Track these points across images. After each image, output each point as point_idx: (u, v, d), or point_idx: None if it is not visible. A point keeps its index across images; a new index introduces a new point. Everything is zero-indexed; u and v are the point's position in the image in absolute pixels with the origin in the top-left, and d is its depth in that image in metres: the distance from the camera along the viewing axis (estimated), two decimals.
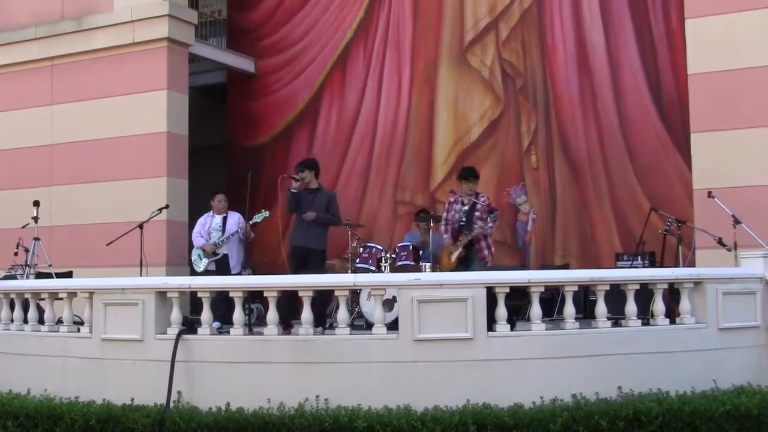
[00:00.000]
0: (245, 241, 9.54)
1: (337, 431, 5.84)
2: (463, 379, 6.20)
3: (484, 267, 8.42)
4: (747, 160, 8.76)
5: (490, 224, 8.47)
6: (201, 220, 9.90)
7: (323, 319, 7.83)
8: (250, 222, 9.26)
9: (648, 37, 10.45)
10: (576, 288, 6.76)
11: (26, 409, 6.64)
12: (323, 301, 7.82)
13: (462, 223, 8.61)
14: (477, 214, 8.55)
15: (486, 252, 8.59)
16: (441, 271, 8.64)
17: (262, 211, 9.23)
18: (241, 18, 13.36)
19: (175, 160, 11.42)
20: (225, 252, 9.57)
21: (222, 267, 9.51)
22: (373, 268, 9.01)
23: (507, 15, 11.29)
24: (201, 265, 9.62)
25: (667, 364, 6.50)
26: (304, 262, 8.60)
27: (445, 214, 8.86)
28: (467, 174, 8.74)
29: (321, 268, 8.80)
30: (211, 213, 9.85)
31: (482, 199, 8.67)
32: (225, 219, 9.70)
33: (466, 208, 8.65)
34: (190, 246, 10.05)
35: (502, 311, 6.40)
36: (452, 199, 8.87)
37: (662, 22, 10.36)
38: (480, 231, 8.45)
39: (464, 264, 8.49)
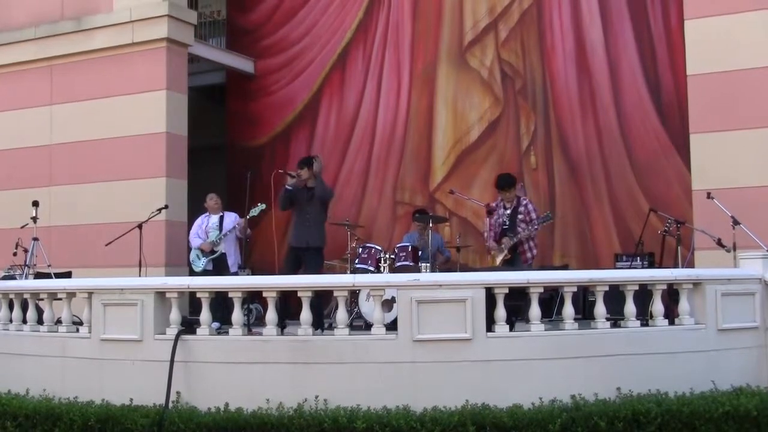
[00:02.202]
0: (244, 239, 9.53)
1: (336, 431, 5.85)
2: (462, 379, 6.19)
3: (528, 267, 8.54)
4: (746, 161, 8.77)
5: (536, 226, 8.62)
6: (198, 221, 9.91)
7: (321, 320, 7.83)
8: (247, 216, 9.23)
9: (647, 38, 10.46)
10: (575, 288, 6.75)
11: (25, 410, 6.64)
12: (320, 303, 7.82)
13: (505, 227, 8.75)
14: (520, 217, 8.70)
15: (529, 254, 8.73)
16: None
17: (259, 204, 9.14)
18: (240, 18, 13.36)
19: (174, 160, 11.42)
20: (222, 251, 9.57)
21: (219, 266, 9.51)
22: (372, 269, 9.01)
23: (506, 16, 11.30)
24: (199, 264, 9.62)
25: (666, 365, 6.50)
26: (299, 261, 8.67)
27: (488, 219, 9.02)
28: (505, 183, 8.86)
29: (318, 267, 8.83)
30: (207, 214, 9.85)
31: (524, 202, 8.80)
32: (222, 218, 9.71)
33: (508, 212, 8.80)
34: (189, 246, 10.05)
35: (501, 312, 6.40)
36: (495, 204, 9.03)
37: (661, 23, 10.37)
38: (526, 234, 8.60)
39: (508, 266, 8.63)
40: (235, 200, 10.06)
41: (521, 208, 8.75)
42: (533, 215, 8.73)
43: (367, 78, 12.13)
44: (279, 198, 8.87)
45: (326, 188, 8.96)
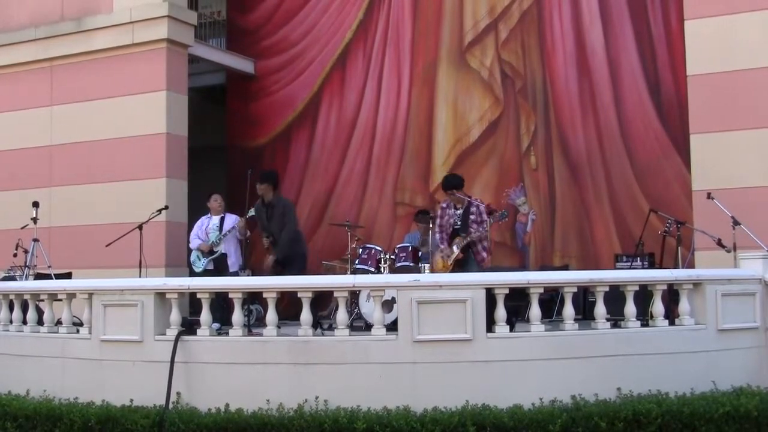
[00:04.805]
0: (243, 240, 9.53)
1: None
2: (462, 380, 6.20)
3: (481, 269, 8.41)
4: (746, 162, 8.77)
5: (486, 227, 8.45)
6: (199, 222, 9.91)
7: (316, 320, 7.83)
8: (246, 216, 9.24)
9: (647, 38, 10.46)
10: (575, 289, 6.77)
11: (25, 410, 6.65)
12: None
13: (457, 227, 8.62)
14: (472, 217, 8.56)
15: (484, 254, 8.59)
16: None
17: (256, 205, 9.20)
18: (240, 19, 13.36)
19: (175, 161, 11.42)
20: (222, 251, 9.56)
21: (220, 266, 9.51)
22: (373, 269, 9.01)
23: (506, 16, 11.29)
24: (200, 265, 9.62)
25: (667, 366, 6.50)
26: (283, 271, 8.83)
27: (438, 220, 8.85)
28: (451, 185, 8.71)
29: (301, 271, 8.96)
30: (209, 215, 9.86)
31: (475, 202, 8.69)
32: (222, 219, 9.70)
33: (459, 212, 8.67)
34: (190, 248, 10.04)
35: (501, 312, 6.41)
36: (444, 204, 8.89)
37: (661, 24, 10.36)
38: (479, 234, 8.44)
39: (461, 266, 8.49)
40: (235, 201, 10.05)
41: (473, 209, 8.60)
42: (485, 216, 8.58)
43: (367, 78, 12.13)
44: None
45: (285, 240, 9.03)
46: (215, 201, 9.80)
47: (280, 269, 8.93)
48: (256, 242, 10.43)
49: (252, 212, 9.16)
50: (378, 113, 11.99)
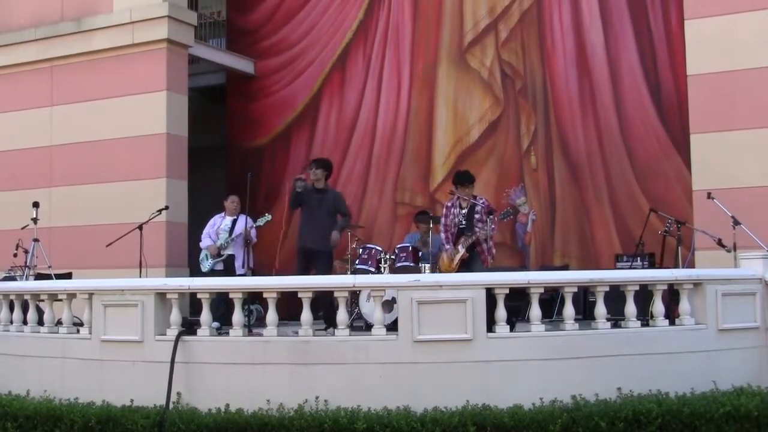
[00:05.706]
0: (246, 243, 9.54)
1: None
2: (462, 380, 6.20)
3: (485, 269, 8.40)
4: (746, 161, 8.77)
5: (492, 226, 8.46)
6: (212, 221, 9.92)
7: (333, 318, 7.81)
8: (255, 225, 9.31)
9: (647, 38, 10.46)
10: (575, 289, 6.77)
11: (26, 411, 6.66)
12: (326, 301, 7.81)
13: (462, 226, 8.59)
14: (477, 216, 8.53)
15: (489, 255, 8.59)
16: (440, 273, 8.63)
17: (266, 214, 9.30)
18: (240, 19, 13.36)
19: (175, 161, 11.42)
20: (231, 253, 9.60)
21: (227, 267, 9.56)
22: (373, 269, 9.00)
23: (506, 16, 11.29)
24: (206, 265, 9.66)
25: (667, 365, 6.51)
26: (310, 263, 9.06)
27: (443, 220, 8.82)
28: (463, 179, 8.69)
29: (328, 270, 9.07)
30: (222, 214, 9.88)
31: (481, 201, 8.66)
32: (235, 221, 9.72)
33: (465, 211, 8.64)
34: (191, 247, 10.05)
35: (501, 312, 6.41)
36: (450, 204, 8.86)
37: (662, 23, 10.37)
38: (484, 233, 8.44)
39: (466, 266, 8.48)
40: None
41: (478, 207, 8.55)
42: (491, 215, 8.52)
43: (367, 78, 12.13)
44: (289, 199, 9.46)
45: (347, 222, 9.53)
46: (232, 203, 9.84)
47: (308, 261, 9.20)
48: (256, 243, 10.42)
49: (262, 221, 9.24)
50: (378, 113, 12.00)
